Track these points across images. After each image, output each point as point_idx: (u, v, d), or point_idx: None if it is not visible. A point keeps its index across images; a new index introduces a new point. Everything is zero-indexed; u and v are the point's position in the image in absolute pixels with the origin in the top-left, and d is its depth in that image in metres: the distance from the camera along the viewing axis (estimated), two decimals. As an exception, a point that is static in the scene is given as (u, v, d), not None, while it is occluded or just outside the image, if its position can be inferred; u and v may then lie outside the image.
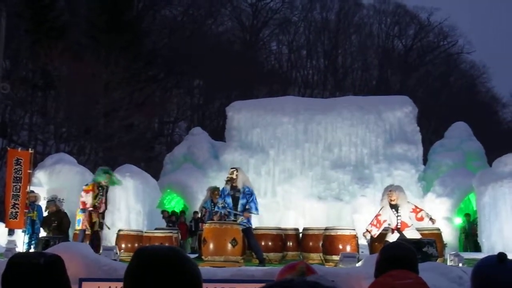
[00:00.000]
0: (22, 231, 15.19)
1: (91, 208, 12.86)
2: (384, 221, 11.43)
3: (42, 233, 15.12)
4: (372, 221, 11.64)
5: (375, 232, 11.52)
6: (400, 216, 11.28)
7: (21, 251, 14.10)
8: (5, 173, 26.98)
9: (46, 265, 2.42)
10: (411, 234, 11.14)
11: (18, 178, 15.19)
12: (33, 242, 14.87)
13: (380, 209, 11.59)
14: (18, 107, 33.63)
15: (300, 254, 13.20)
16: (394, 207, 11.34)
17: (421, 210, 11.61)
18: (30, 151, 16.13)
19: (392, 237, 10.99)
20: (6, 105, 32.24)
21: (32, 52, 31.78)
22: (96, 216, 12.99)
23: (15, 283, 2.36)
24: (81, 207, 13.07)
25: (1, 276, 2.39)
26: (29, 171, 15.48)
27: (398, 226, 11.25)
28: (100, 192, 13.02)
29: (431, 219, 11.31)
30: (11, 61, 34.38)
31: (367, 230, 11.61)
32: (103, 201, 13.08)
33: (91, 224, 12.90)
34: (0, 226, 16.88)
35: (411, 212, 11.40)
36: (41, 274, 2.38)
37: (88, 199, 12.94)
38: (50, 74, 31.64)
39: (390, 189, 11.65)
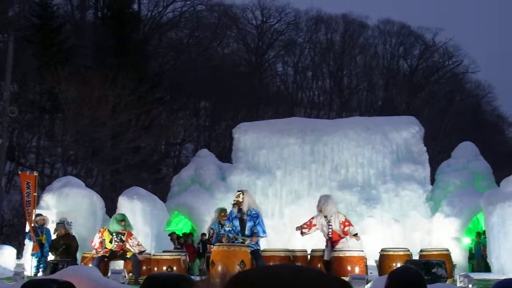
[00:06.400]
0: (31, 255, 15.18)
1: (100, 251, 12.92)
2: (314, 225, 12.20)
3: (50, 257, 15.10)
4: (306, 222, 12.39)
5: (306, 232, 12.34)
6: (331, 226, 11.98)
7: (29, 274, 14.10)
8: (14, 197, 26.93)
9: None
10: (342, 246, 11.85)
11: (29, 202, 15.25)
12: (41, 265, 14.84)
13: (316, 215, 12.33)
14: (26, 130, 33.80)
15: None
16: (325, 217, 11.99)
17: (350, 225, 12.22)
18: (35, 173, 16.20)
19: (327, 252, 11.88)
20: (13, 128, 32.39)
21: (39, 75, 31.98)
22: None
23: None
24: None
25: None
26: (34, 194, 15.51)
27: (330, 236, 11.96)
28: (115, 237, 13.01)
29: (355, 235, 12.07)
30: (18, 84, 34.60)
31: (301, 227, 12.35)
32: (122, 246, 13.03)
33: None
34: (8, 249, 16.87)
35: (340, 223, 12.04)
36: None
37: (96, 241, 13.13)
38: (57, 97, 31.78)
39: (319, 200, 12.45)
